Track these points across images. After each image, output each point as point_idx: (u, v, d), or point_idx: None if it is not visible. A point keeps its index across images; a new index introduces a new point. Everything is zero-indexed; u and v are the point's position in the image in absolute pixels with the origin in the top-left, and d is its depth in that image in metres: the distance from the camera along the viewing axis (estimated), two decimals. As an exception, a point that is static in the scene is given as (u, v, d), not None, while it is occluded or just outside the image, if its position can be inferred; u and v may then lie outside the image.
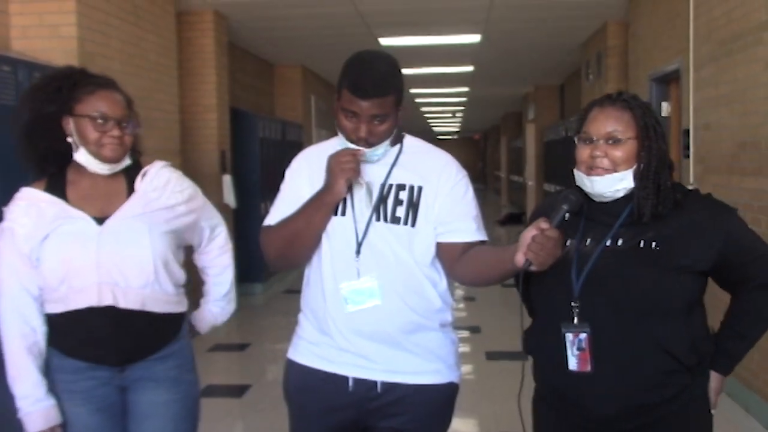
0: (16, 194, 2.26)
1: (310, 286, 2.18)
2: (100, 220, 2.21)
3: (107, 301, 2.18)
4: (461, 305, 8.13)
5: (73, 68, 2.31)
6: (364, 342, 2.07)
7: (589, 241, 1.97)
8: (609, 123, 1.94)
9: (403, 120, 2.16)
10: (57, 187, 2.24)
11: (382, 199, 2.11)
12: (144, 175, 2.29)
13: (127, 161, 2.28)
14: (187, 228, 2.37)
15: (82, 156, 2.21)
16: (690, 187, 2.06)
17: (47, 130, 2.20)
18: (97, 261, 2.17)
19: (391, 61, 2.13)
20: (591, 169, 1.94)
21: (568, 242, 1.99)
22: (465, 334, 6.67)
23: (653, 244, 1.90)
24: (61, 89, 2.20)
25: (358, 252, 2.08)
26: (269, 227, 2.20)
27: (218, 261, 2.53)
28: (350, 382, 2.09)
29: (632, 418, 1.92)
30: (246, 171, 8.42)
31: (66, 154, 2.24)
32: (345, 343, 2.09)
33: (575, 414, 1.99)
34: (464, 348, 6.24)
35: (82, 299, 2.18)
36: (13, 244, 2.19)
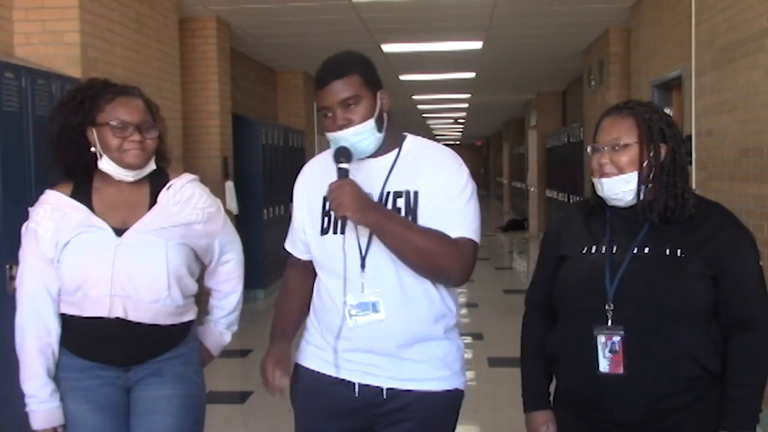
0: (41, 196, 2.31)
1: (319, 297, 2.18)
2: (120, 231, 2.23)
3: (117, 313, 2.21)
4: (463, 311, 8.11)
5: (96, 80, 2.34)
6: (369, 354, 2.07)
7: (615, 248, 2.01)
8: (613, 130, 2.01)
9: (389, 106, 2.10)
10: (83, 194, 2.28)
11: None
12: (169, 187, 2.30)
13: (151, 166, 2.30)
14: (201, 249, 2.38)
15: (106, 164, 2.24)
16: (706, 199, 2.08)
17: (73, 142, 2.25)
18: (112, 273, 2.20)
19: (352, 52, 2.12)
20: (601, 175, 2.01)
21: (594, 248, 2.03)
22: (467, 340, 6.65)
23: (678, 251, 1.94)
24: (83, 101, 2.24)
25: (363, 266, 2.06)
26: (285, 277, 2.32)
27: (223, 286, 2.51)
28: (356, 388, 2.08)
29: (655, 421, 1.95)
30: (248, 177, 8.43)
31: (91, 164, 2.27)
32: (350, 354, 2.09)
33: (598, 417, 2.00)
34: (466, 354, 6.15)
35: (94, 308, 2.21)
36: (36, 245, 2.25)
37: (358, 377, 2.08)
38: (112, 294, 2.20)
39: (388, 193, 2.08)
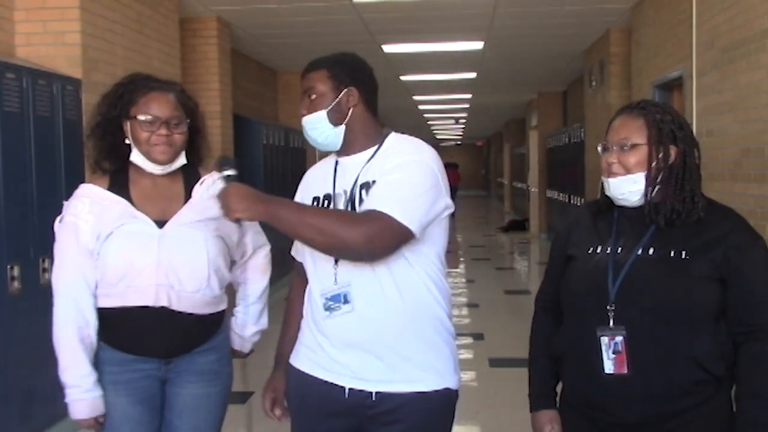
0: (77, 190, 2.36)
1: (308, 296, 2.20)
2: (160, 223, 2.30)
3: (162, 302, 2.28)
4: (464, 312, 8.11)
5: (138, 74, 2.42)
6: (354, 351, 2.07)
7: (620, 249, 1.99)
8: (622, 130, 2.00)
9: (355, 103, 2.13)
10: (120, 186, 2.34)
11: (351, 202, 2.10)
12: (202, 183, 2.39)
13: (181, 161, 2.37)
14: (233, 243, 2.45)
15: (136, 156, 2.32)
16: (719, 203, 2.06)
17: (110, 134, 2.34)
18: (158, 263, 2.26)
19: (342, 52, 2.20)
20: (609, 174, 2.01)
21: (599, 248, 2.02)
22: (468, 340, 6.66)
23: (683, 253, 1.92)
24: (123, 95, 2.34)
25: (336, 260, 2.08)
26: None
27: (248, 275, 2.57)
28: (346, 392, 2.08)
29: (658, 424, 1.93)
30: (249, 177, 8.43)
31: (126, 156, 2.35)
32: (336, 353, 2.09)
33: (601, 418, 1.99)
34: (467, 355, 6.24)
35: (139, 298, 2.28)
36: (76, 237, 2.28)
37: (346, 381, 2.08)
38: (157, 283, 2.26)
39: (357, 186, 2.12)
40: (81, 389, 2.27)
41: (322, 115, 2.12)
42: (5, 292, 3.94)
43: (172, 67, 6.35)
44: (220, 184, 2.13)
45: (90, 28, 4.92)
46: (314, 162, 2.36)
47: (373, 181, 2.07)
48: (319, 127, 2.13)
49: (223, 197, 2.03)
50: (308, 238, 2.00)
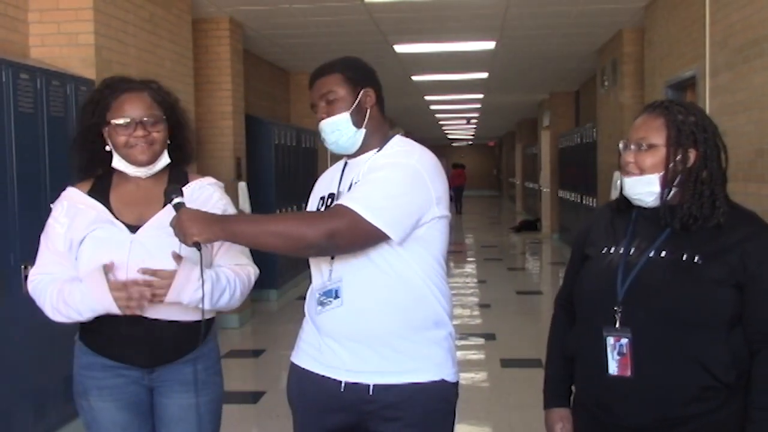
0: (63, 192, 2.36)
1: (309, 292, 2.23)
2: (135, 228, 2.23)
3: (131, 310, 2.17)
4: (476, 312, 8.10)
5: (113, 78, 2.36)
6: (348, 344, 2.09)
7: (633, 250, 1.97)
8: (641, 129, 1.97)
9: (373, 103, 2.15)
10: (101, 191, 2.30)
11: None
12: (187, 187, 2.27)
13: (164, 161, 2.30)
14: (215, 252, 2.32)
15: (117, 162, 2.28)
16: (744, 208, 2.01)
17: (90, 141, 2.30)
18: (127, 270, 2.18)
19: (345, 57, 2.22)
20: (625, 174, 1.98)
21: (613, 248, 2.00)
22: (480, 341, 6.64)
23: (696, 257, 1.88)
24: (99, 101, 2.28)
25: (332, 257, 2.10)
26: None
27: (226, 270, 2.28)
28: (342, 386, 2.10)
29: (664, 430, 1.90)
30: (261, 178, 8.46)
31: (107, 162, 2.31)
32: (332, 344, 2.11)
33: (609, 421, 1.97)
34: (479, 355, 6.22)
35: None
36: (52, 241, 2.29)
37: (341, 375, 2.10)
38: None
39: (352, 185, 2.14)
40: (93, 299, 2.15)
41: (345, 116, 2.13)
42: (19, 292, 3.96)
43: (185, 67, 6.38)
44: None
45: (103, 29, 4.94)
46: (326, 162, 2.37)
47: (357, 182, 2.10)
48: (341, 129, 2.13)
49: (176, 224, 2.00)
50: (272, 245, 2.00)
